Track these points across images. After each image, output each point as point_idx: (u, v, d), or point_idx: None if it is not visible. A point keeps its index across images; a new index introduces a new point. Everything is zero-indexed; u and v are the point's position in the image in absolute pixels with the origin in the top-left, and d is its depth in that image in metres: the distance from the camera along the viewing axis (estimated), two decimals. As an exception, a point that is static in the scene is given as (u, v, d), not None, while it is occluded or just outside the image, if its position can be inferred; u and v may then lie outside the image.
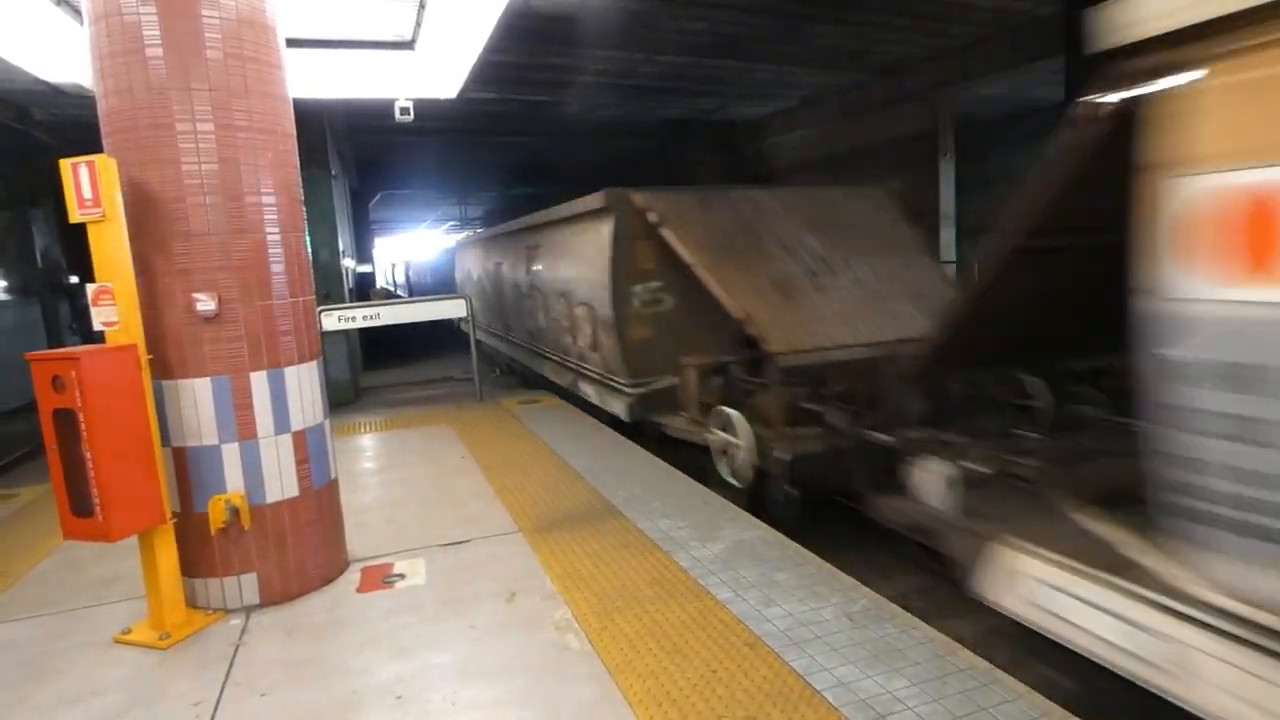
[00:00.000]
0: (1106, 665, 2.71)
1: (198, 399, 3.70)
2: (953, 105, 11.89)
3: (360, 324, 9.04)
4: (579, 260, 8.32)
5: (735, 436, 5.77)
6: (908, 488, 4.11)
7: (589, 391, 8.57)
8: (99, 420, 3.27)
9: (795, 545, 4.36)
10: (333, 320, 8.72)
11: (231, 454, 3.77)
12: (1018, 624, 3.17)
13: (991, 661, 3.08)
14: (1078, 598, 2.84)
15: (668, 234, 6.85)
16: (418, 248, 38.48)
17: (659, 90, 11.87)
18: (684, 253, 6.69)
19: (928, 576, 4.73)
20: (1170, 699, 2.47)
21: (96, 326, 3.47)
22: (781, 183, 14.39)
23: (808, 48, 9.95)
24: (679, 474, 5.87)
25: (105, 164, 3.33)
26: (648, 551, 4.35)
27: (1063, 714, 2.70)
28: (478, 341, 10.81)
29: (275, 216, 3.83)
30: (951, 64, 10.48)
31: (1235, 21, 2.18)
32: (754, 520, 4.78)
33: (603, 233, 7.49)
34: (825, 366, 5.77)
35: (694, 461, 6.39)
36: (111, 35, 3.48)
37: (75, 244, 11.11)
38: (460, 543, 4.64)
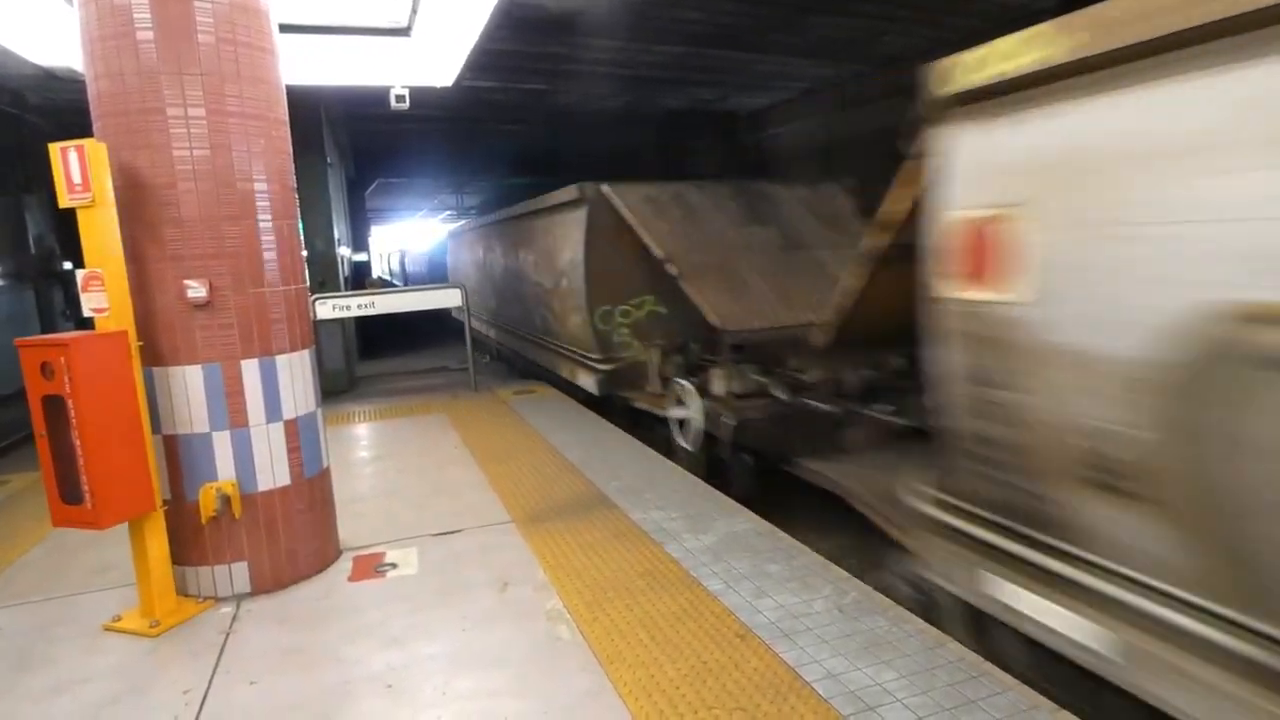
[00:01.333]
0: None
1: (189, 386, 3.68)
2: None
3: (355, 313, 9.01)
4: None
5: (688, 405, 6.20)
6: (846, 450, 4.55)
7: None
8: (88, 407, 3.26)
9: (787, 537, 4.36)
10: (327, 309, 8.69)
11: (223, 442, 3.76)
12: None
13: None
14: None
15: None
16: (428, 235, 37.97)
17: (658, 80, 11.80)
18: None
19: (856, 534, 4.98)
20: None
21: (86, 313, 3.44)
22: (780, 173, 14.32)
23: (808, 39, 9.90)
24: (671, 465, 5.86)
25: (95, 148, 3.30)
26: (640, 542, 4.35)
27: (1051, 707, 2.71)
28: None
29: (267, 203, 3.81)
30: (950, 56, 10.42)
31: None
32: (746, 512, 4.78)
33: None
34: (767, 343, 6.30)
35: (663, 436, 6.81)
36: (101, 18, 3.44)
37: (70, 230, 11.03)
38: (453, 532, 4.63)
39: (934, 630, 3.29)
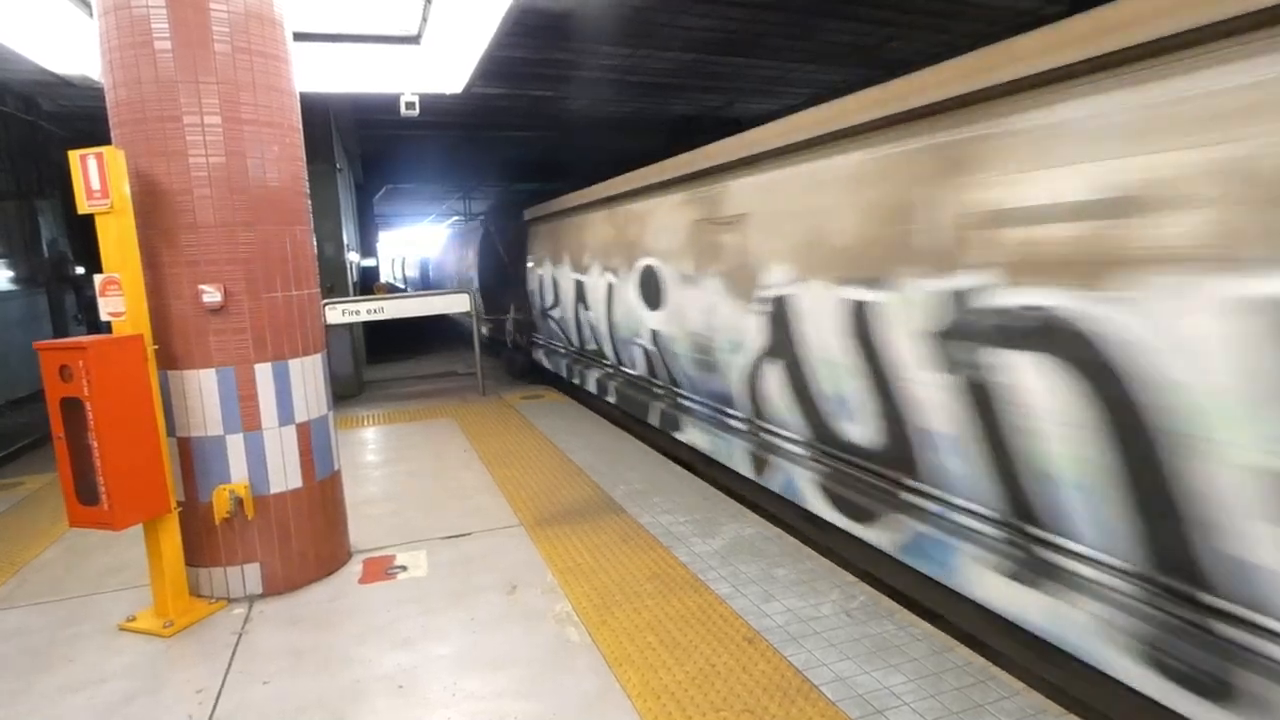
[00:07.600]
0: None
1: (203, 390, 3.72)
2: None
3: (364, 318, 9.07)
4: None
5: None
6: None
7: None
8: (106, 409, 3.30)
9: (795, 541, 4.38)
10: (337, 314, 8.75)
11: (236, 444, 3.80)
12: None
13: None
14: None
15: None
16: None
17: (665, 86, 11.85)
18: None
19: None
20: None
21: (104, 317, 3.49)
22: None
23: (815, 45, 9.95)
24: (680, 470, 5.89)
25: (114, 155, 3.35)
26: (648, 546, 4.38)
27: (1059, 710, 2.72)
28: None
29: (281, 210, 3.85)
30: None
31: None
32: (754, 516, 4.81)
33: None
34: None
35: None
36: (121, 28, 3.50)
37: (82, 235, 11.13)
38: (462, 535, 4.67)
39: (942, 635, 3.31)
